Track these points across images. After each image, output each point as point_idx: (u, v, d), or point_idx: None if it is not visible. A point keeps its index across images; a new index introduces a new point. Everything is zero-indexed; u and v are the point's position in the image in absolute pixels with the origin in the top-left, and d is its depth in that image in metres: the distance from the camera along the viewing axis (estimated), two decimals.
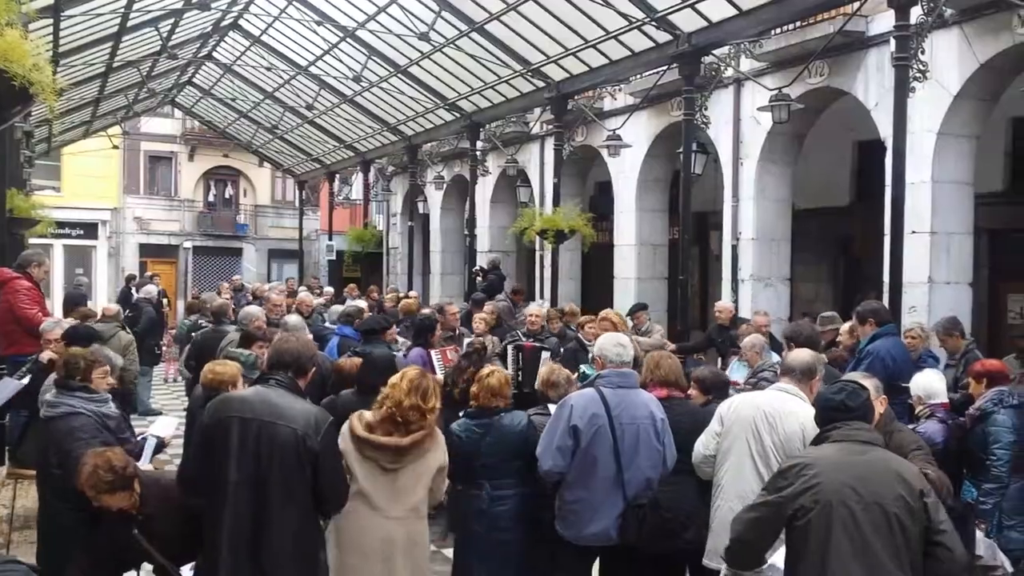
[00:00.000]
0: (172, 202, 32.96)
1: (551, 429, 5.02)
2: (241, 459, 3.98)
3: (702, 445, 4.90)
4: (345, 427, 4.54)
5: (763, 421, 4.63)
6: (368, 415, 4.57)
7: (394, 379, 4.61)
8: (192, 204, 33.32)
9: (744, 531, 3.67)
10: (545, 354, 8.62)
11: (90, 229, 31.40)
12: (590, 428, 4.91)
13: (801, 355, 4.93)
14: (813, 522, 3.41)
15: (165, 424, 6.04)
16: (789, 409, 4.63)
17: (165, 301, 17.63)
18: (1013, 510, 5.45)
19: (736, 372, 7.83)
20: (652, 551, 4.92)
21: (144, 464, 5.01)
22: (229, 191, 33.96)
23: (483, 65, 14.44)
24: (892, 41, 8.67)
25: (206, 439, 4.14)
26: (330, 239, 25.77)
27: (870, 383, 4.51)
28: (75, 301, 13.18)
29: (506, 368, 8.54)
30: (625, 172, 15.70)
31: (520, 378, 8.48)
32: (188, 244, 32.74)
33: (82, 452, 4.45)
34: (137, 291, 17.61)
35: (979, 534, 5.25)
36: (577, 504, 4.96)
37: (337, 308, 10.77)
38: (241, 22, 17.89)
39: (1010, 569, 5.32)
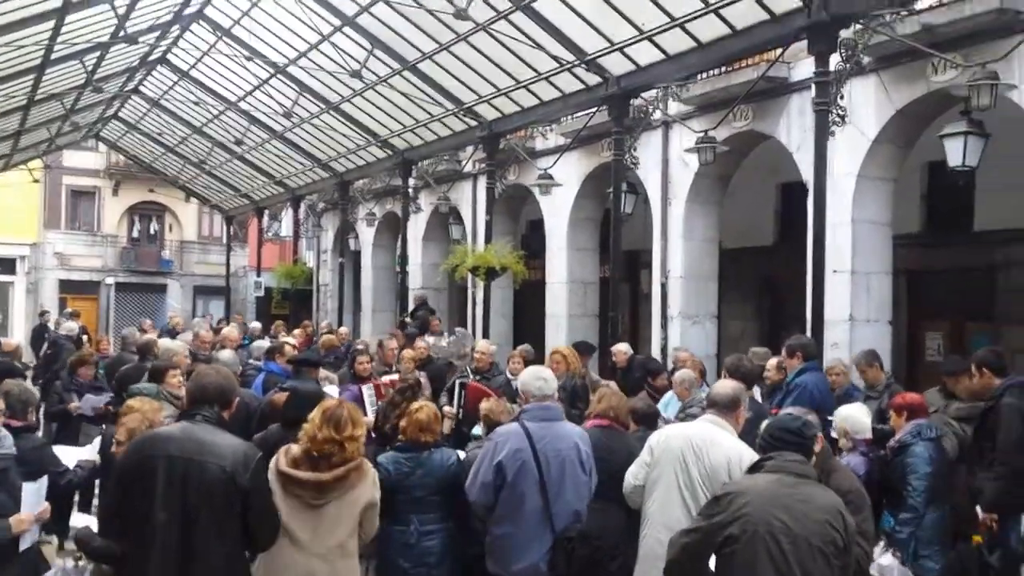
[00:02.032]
0: (95, 237, 32.21)
1: (478, 464, 5.04)
2: (168, 498, 3.87)
3: (631, 475, 4.95)
4: (272, 462, 4.44)
5: (691, 452, 4.69)
6: (295, 449, 4.50)
7: (312, 413, 4.56)
8: (115, 239, 32.60)
9: (677, 555, 3.71)
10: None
11: (7, 264, 30.52)
12: (514, 463, 4.91)
13: (724, 387, 5.03)
14: (739, 551, 3.45)
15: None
16: (716, 441, 4.70)
17: (85, 338, 17.14)
18: (928, 540, 5.58)
19: (667, 407, 7.91)
20: None
21: (28, 506, 4.77)
22: (154, 226, 33.37)
23: (415, 103, 14.49)
24: (812, 87, 8.97)
25: (130, 477, 4.01)
26: (258, 275, 25.42)
27: (809, 419, 4.60)
28: None
29: (450, 405, 8.58)
30: (557, 211, 15.87)
31: (460, 415, 8.47)
32: (110, 280, 31.98)
33: None
34: (56, 328, 17.10)
35: (894, 561, 5.36)
36: (505, 539, 4.95)
37: (261, 344, 10.59)
38: (169, 56, 17.68)
39: None
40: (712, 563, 3.64)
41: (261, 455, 4.11)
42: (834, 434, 5.93)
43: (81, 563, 4.78)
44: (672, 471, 4.73)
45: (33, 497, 4.77)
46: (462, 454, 5.61)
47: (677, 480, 4.70)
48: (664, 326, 13.60)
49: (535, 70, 11.99)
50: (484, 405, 6.22)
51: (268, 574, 4.39)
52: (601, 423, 5.49)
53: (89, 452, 5.89)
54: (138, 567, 3.92)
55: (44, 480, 4.95)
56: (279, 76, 16.03)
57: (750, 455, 4.59)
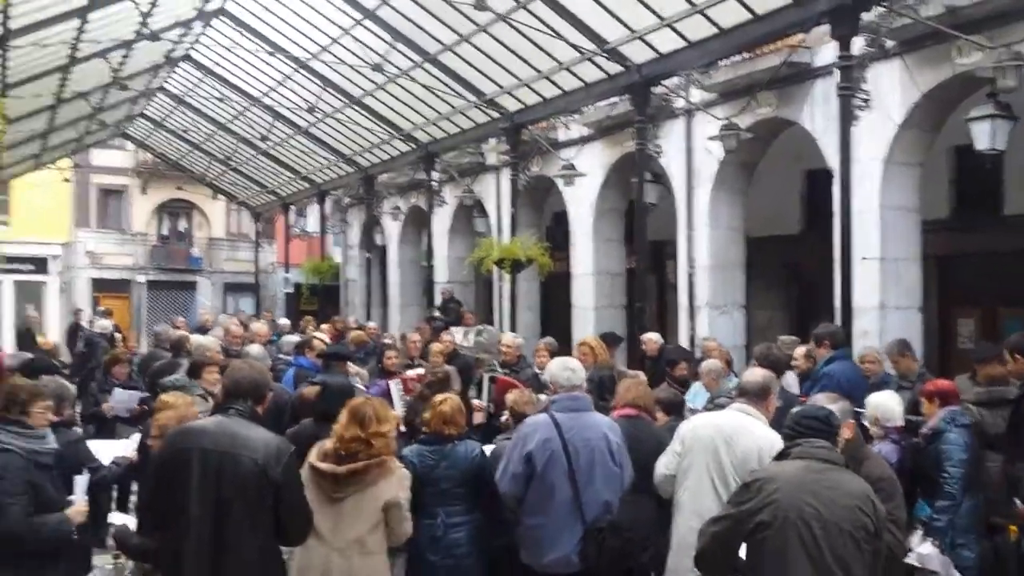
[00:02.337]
0: (125, 236, 32.53)
1: (507, 455, 5.07)
2: (202, 491, 3.94)
3: (663, 465, 4.96)
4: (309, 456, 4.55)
5: (721, 441, 4.69)
6: (328, 444, 4.57)
7: (341, 413, 4.62)
8: (145, 238, 32.92)
9: (708, 543, 3.71)
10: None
11: (40, 264, 30.88)
12: (543, 453, 4.91)
13: (755, 375, 5.02)
14: (771, 537, 3.45)
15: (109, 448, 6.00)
16: (746, 429, 4.70)
17: (119, 336, 17.37)
18: (964, 528, 5.53)
19: (696, 397, 7.88)
20: (611, 573, 4.92)
21: (78, 498, 4.86)
22: (183, 224, 33.66)
23: (437, 96, 14.53)
24: (836, 72, 8.89)
25: (165, 471, 4.09)
26: (286, 271, 25.59)
27: (838, 406, 4.58)
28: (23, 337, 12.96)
29: (479, 398, 8.66)
30: (581, 202, 15.82)
31: (491, 409, 8.53)
32: (141, 278, 32.31)
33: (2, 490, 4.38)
34: (90, 326, 17.33)
35: (934, 550, 5.31)
36: (536, 530, 4.97)
37: (291, 339, 10.67)
38: (192, 53, 17.84)
39: None
40: (743, 550, 3.64)
41: (293, 449, 4.16)
42: (865, 422, 5.88)
43: (120, 562, 4.84)
44: (703, 460, 4.73)
45: (83, 489, 4.87)
46: (488, 448, 5.63)
47: (708, 469, 4.71)
48: (691, 316, 13.53)
49: (556, 60, 11.98)
50: (509, 397, 6.24)
51: (296, 566, 4.47)
52: (628, 413, 5.52)
53: (125, 448, 5.96)
54: (173, 560, 3.99)
55: (87, 474, 5.04)
56: (301, 71, 16.13)
57: (780, 443, 4.59)
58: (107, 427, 8.72)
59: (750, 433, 4.67)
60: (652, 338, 10.70)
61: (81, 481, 4.90)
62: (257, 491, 3.94)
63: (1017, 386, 6.05)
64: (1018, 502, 5.93)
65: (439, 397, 5.45)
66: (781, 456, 3.75)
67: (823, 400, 4.49)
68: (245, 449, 3.97)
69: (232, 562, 3.94)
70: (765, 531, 3.46)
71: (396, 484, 4.55)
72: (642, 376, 7.77)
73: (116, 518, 5.17)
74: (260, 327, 12.26)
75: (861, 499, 3.51)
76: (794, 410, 4.02)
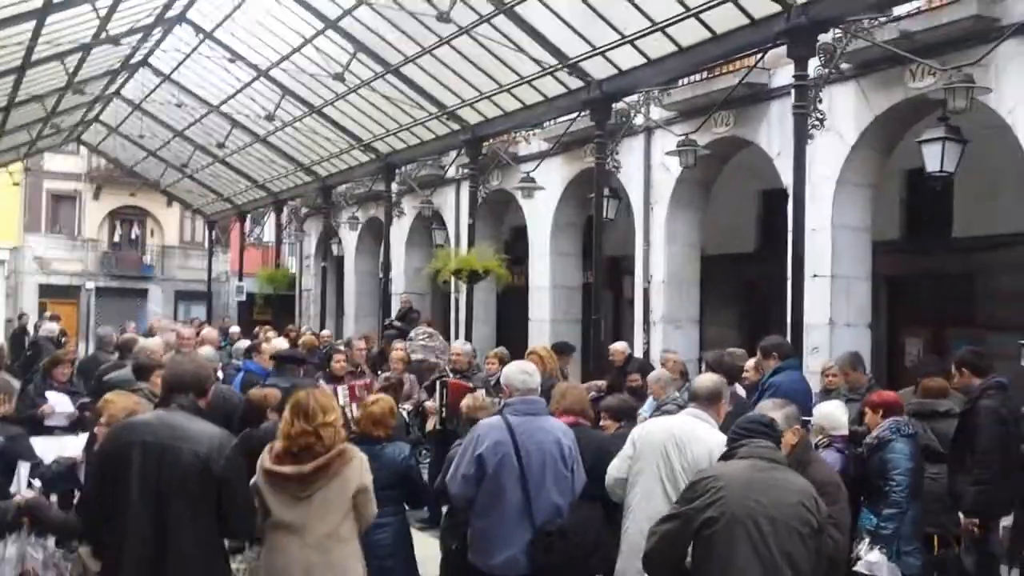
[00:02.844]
0: (75, 242, 32.03)
1: (459, 457, 5.04)
2: (143, 483, 3.91)
3: (615, 468, 4.97)
4: (259, 461, 4.48)
5: (673, 445, 4.72)
6: (277, 445, 4.51)
7: (284, 411, 4.58)
8: (96, 244, 32.39)
9: (657, 542, 3.74)
10: (480, 393, 8.66)
11: None
12: (494, 456, 4.88)
13: (705, 380, 5.06)
14: (718, 534, 3.49)
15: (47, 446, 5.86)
16: (697, 434, 4.73)
17: (64, 340, 17.04)
18: (910, 536, 5.61)
19: (645, 406, 7.92)
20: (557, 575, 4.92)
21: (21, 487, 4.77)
22: (136, 231, 33.23)
23: (398, 107, 14.52)
24: (792, 92, 9.05)
25: (106, 464, 4.06)
26: (240, 280, 25.30)
27: (783, 412, 4.63)
28: None
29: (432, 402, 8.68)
30: (540, 216, 15.89)
31: (444, 413, 8.53)
32: (91, 285, 31.77)
33: None
34: (36, 331, 17.01)
35: (883, 558, 5.39)
36: (486, 532, 4.94)
37: (242, 344, 10.56)
38: (152, 59, 17.62)
39: None
40: (690, 549, 3.67)
41: (236, 442, 4.14)
42: (810, 434, 5.95)
43: (58, 550, 4.75)
44: (654, 464, 4.76)
45: (24, 479, 4.79)
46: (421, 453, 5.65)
47: (659, 472, 4.74)
48: (646, 331, 13.62)
49: (518, 74, 12.05)
50: (465, 402, 6.23)
51: (271, 567, 4.45)
52: (567, 420, 5.44)
53: (73, 449, 5.81)
54: (113, 553, 3.95)
55: (27, 465, 4.95)
56: (262, 79, 16.02)
57: None
58: (41, 433, 8.46)
59: (700, 438, 4.71)
60: (619, 348, 10.72)
61: (23, 471, 4.81)
62: (199, 484, 3.91)
63: (961, 400, 6.18)
64: (962, 516, 6.05)
65: (371, 398, 5.50)
66: (727, 456, 3.82)
67: (770, 406, 4.55)
68: (187, 442, 3.94)
69: (172, 555, 3.91)
70: (713, 527, 3.51)
71: (360, 469, 4.51)
72: (576, 383, 7.81)
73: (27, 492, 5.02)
74: (210, 332, 12.10)
75: (805, 496, 3.58)
76: (739, 419, 4.09)
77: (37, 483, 4.87)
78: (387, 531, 5.10)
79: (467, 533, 5.14)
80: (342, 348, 10.41)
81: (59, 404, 8.11)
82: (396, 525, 5.20)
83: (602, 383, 9.87)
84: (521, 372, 5.26)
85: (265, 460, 4.46)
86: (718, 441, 4.65)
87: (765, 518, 3.46)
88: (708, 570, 3.54)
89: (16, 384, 5.66)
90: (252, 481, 4.47)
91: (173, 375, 4.26)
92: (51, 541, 4.93)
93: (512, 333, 17.20)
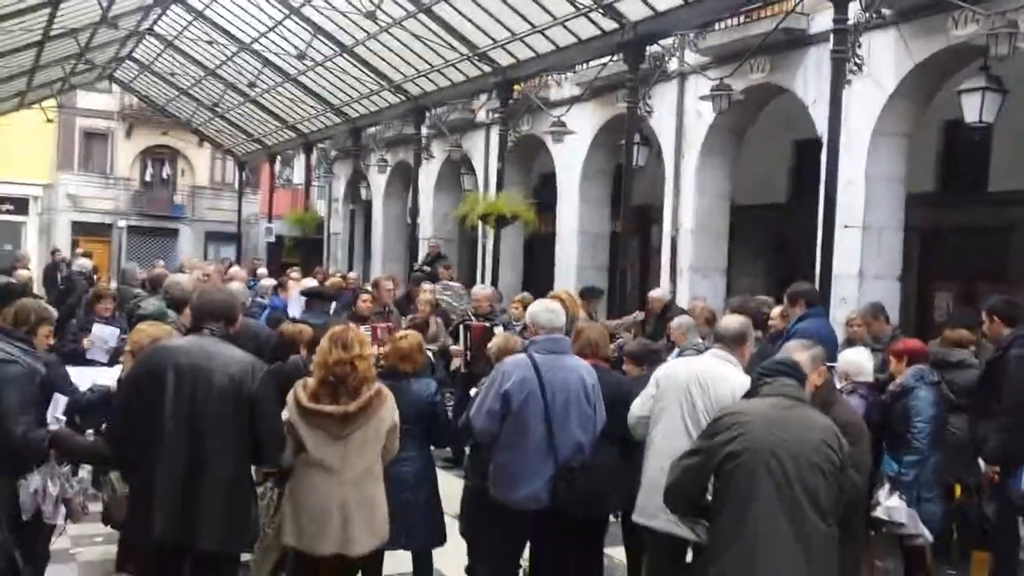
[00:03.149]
0: (107, 180, 32.27)
1: (484, 393, 5.08)
2: (177, 404, 3.99)
3: (637, 407, 4.98)
4: (290, 398, 4.52)
5: (696, 385, 4.72)
6: (311, 382, 4.54)
7: (321, 343, 4.63)
8: (128, 183, 32.66)
9: (679, 476, 3.77)
10: (497, 330, 8.71)
11: (21, 204, 30.65)
12: (520, 393, 4.93)
13: (731, 321, 5.05)
14: (740, 468, 3.50)
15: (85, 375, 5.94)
16: (721, 375, 4.73)
17: (96, 276, 17.26)
18: (930, 483, 5.62)
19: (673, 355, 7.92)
20: (580, 514, 4.98)
21: (55, 417, 4.86)
22: (167, 171, 33.41)
23: (430, 48, 14.40)
24: (830, 38, 8.87)
25: (138, 387, 4.14)
26: (269, 222, 25.44)
27: (808, 353, 4.60)
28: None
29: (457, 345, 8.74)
30: (569, 162, 15.78)
31: (469, 357, 8.58)
32: (122, 223, 32.11)
33: (12, 401, 4.37)
34: (68, 267, 17.22)
35: (901, 503, 5.40)
36: (508, 466, 4.99)
37: (268, 282, 10.66)
38: None
39: (930, 538, 5.51)
40: (711, 482, 3.69)
41: (267, 367, 4.23)
42: (835, 379, 5.94)
43: (77, 473, 4.83)
44: (677, 403, 4.76)
45: (60, 410, 4.88)
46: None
47: (682, 412, 4.74)
48: (673, 280, 13.56)
49: (551, 14, 11.89)
50: (496, 342, 6.21)
51: (301, 503, 4.49)
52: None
53: (107, 378, 5.88)
54: (146, 475, 4.03)
55: (64, 397, 5.04)
56: (293, 17, 15.92)
57: None
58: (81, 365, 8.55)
59: (724, 378, 4.70)
60: (656, 295, 10.66)
61: (61, 402, 4.90)
62: (232, 404, 3.99)
63: (992, 349, 6.12)
64: (982, 463, 6.04)
65: (399, 334, 5.51)
66: (750, 394, 3.82)
67: (795, 347, 4.52)
68: (219, 364, 4.02)
69: (207, 478, 3.99)
70: (734, 462, 3.52)
71: (391, 408, 4.61)
72: (594, 323, 7.84)
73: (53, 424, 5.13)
74: (239, 271, 12.26)
75: (827, 433, 3.58)
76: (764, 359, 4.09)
77: (61, 416, 4.94)
78: (410, 466, 5.15)
79: (489, 469, 5.19)
80: (369, 289, 10.46)
81: (106, 336, 8.10)
82: (420, 461, 5.25)
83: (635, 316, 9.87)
84: (547, 311, 5.28)
85: (301, 397, 4.47)
86: (742, 382, 4.64)
87: (787, 453, 3.47)
88: (729, 504, 3.55)
89: (55, 313, 5.71)
90: (286, 417, 4.50)
91: (203, 302, 4.34)
92: (84, 472, 5.03)
93: (539, 280, 17.21)
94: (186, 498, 3.99)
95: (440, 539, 5.36)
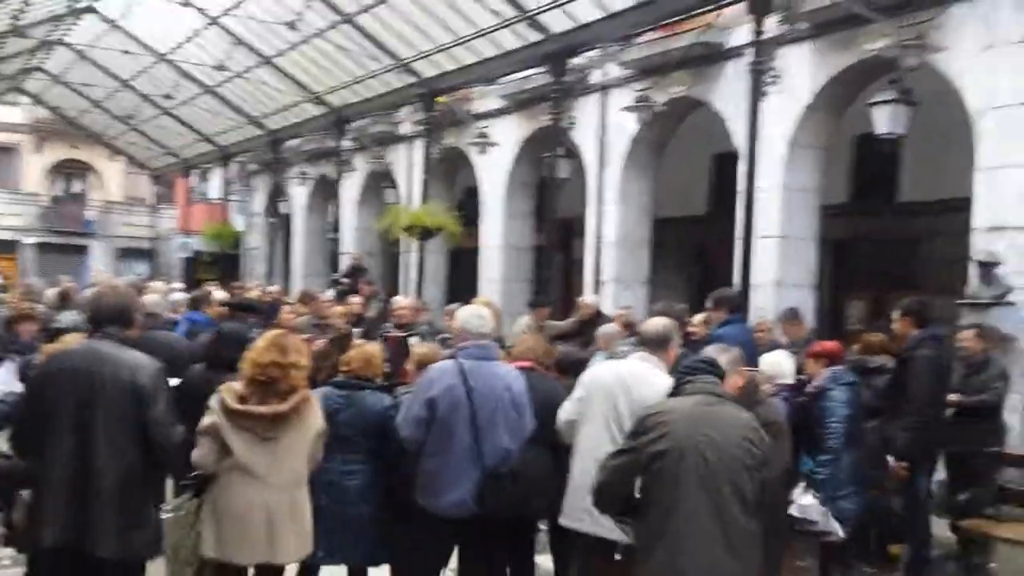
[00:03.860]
0: (15, 195, 31.13)
1: (411, 399, 5.01)
2: (68, 409, 3.95)
3: (565, 411, 4.98)
4: (214, 401, 4.43)
5: (619, 388, 4.73)
6: (236, 386, 4.45)
7: (256, 343, 4.55)
8: (37, 198, 31.56)
9: (608, 476, 3.76)
10: (413, 339, 8.62)
11: None
12: (446, 399, 4.87)
13: (654, 323, 5.08)
14: (666, 466, 3.51)
15: None
16: (645, 378, 4.74)
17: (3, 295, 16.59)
18: (845, 480, 5.73)
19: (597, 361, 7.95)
20: (504, 516, 4.95)
21: None
22: (78, 186, 32.43)
23: (352, 59, 14.29)
24: (748, 53, 9.08)
25: (34, 393, 4.14)
26: (186, 237, 24.85)
27: (727, 356, 4.65)
28: None
29: None
30: (493, 175, 15.81)
31: (388, 368, 8.46)
32: (31, 240, 30.99)
33: None
34: None
35: (814, 501, 5.51)
36: (434, 473, 4.91)
37: (180, 296, 10.36)
38: (97, 5, 17.06)
39: (842, 535, 5.63)
40: (638, 483, 3.69)
41: (161, 366, 4.17)
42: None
43: None
44: (602, 406, 4.77)
45: None
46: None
47: (606, 415, 4.75)
48: (597, 291, 13.65)
49: (476, 26, 11.90)
50: (417, 350, 6.13)
51: (224, 509, 4.38)
52: (522, 365, 5.44)
53: (5, 382, 5.62)
54: (42, 482, 4.01)
55: None
56: (212, 26, 15.62)
57: None
58: None
59: (647, 381, 4.70)
60: (587, 301, 10.71)
61: None
62: (125, 404, 3.96)
63: (903, 350, 6.30)
64: (891, 460, 6.21)
65: (359, 341, 5.42)
66: (674, 392, 3.84)
67: (714, 350, 4.56)
68: (111, 367, 3.99)
69: (100, 483, 3.94)
70: (660, 460, 3.53)
71: (318, 414, 4.56)
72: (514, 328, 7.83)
73: None
74: (156, 286, 11.91)
75: (749, 429, 3.63)
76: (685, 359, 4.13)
77: None
78: (357, 478, 5.04)
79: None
80: (291, 302, 10.27)
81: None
82: (367, 475, 5.09)
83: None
84: (476, 317, 5.22)
85: (227, 400, 4.38)
86: (665, 385, 4.65)
87: (711, 450, 3.49)
88: (656, 502, 3.56)
89: None
90: (209, 421, 4.40)
91: (98, 305, 4.28)
92: None
93: (462, 294, 17.11)
94: (79, 504, 3.94)
95: (379, 557, 5.22)
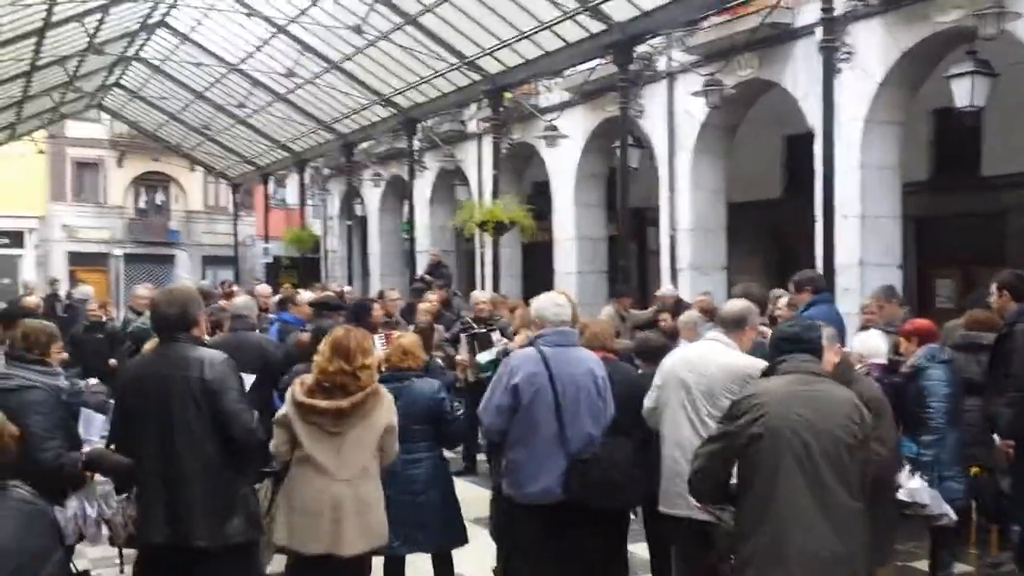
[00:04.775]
0: (101, 209, 32.26)
1: (492, 388, 5.02)
2: (149, 412, 4.19)
3: (648, 399, 5.01)
4: (288, 393, 4.58)
5: (688, 371, 4.74)
6: (308, 379, 4.58)
7: (320, 346, 4.64)
8: (122, 211, 32.62)
9: (704, 463, 3.70)
10: (495, 335, 8.70)
11: (16, 237, 30.58)
12: (530, 387, 4.86)
13: (732, 305, 5.04)
14: (763, 450, 3.45)
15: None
16: (711, 356, 4.73)
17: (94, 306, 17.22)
18: (951, 461, 5.58)
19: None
20: (596, 506, 4.93)
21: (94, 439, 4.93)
22: (160, 197, 33.39)
23: (418, 59, 14.43)
24: (818, 29, 8.93)
25: (119, 401, 4.42)
26: (266, 243, 25.41)
27: (826, 330, 4.59)
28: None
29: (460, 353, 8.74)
30: (562, 168, 15.81)
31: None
32: (119, 252, 32.09)
33: (39, 427, 4.33)
34: (67, 298, 17.20)
35: (923, 484, 5.35)
36: (520, 463, 4.93)
37: (263, 288, 10.65)
38: (169, 19, 17.59)
39: (954, 517, 5.45)
40: (735, 468, 3.66)
41: (227, 357, 4.36)
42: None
43: (105, 488, 4.81)
44: (676, 391, 4.79)
45: (99, 430, 5.02)
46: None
47: (681, 399, 4.76)
48: (673, 279, 13.56)
49: (538, 19, 11.92)
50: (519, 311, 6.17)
51: (294, 500, 4.51)
52: (598, 355, 5.39)
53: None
54: (139, 483, 4.30)
55: (103, 416, 5.15)
56: (280, 35, 15.94)
57: (748, 362, 4.64)
58: None
59: (715, 360, 4.69)
60: (666, 293, 10.68)
61: (95, 420, 4.94)
62: (195, 406, 4.16)
63: (1000, 326, 6.10)
64: (996, 439, 6.02)
65: (398, 333, 5.50)
66: (768, 372, 3.76)
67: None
68: (182, 369, 4.20)
69: (186, 478, 4.16)
70: (757, 444, 3.46)
71: (388, 409, 4.60)
72: (600, 319, 7.84)
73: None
74: (240, 290, 12.28)
75: (848, 407, 3.53)
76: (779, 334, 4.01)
77: (96, 436, 4.98)
78: (421, 467, 5.15)
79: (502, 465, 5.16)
80: (375, 300, 10.44)
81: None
82: (431, 461, 5.23)
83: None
84: (553, 304, 5.18)
85: (297, 393, 4.51)
86: (734, 359, 4.67)
87: (808, 432, 3.42)
88: (754, 486, 3.50)
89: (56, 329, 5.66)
90: (282, 412, 4.56)
91: (153, 314, 4.52)
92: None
93: (538, 287, 17.09)
94: (171, 502, 4.15)
95: (457, 540, 5.33)
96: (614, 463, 4.99)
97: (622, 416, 5.12)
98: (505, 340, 8.30)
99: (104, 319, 11.41)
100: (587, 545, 5.08)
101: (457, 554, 5.50)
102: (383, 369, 5.37)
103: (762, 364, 4.59)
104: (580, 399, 4.92)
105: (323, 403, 4.44)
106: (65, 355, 5.17)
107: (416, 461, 5.12)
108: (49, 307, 17.52)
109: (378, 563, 5.02)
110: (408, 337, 5.43)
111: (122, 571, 5.19)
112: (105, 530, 4.62)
